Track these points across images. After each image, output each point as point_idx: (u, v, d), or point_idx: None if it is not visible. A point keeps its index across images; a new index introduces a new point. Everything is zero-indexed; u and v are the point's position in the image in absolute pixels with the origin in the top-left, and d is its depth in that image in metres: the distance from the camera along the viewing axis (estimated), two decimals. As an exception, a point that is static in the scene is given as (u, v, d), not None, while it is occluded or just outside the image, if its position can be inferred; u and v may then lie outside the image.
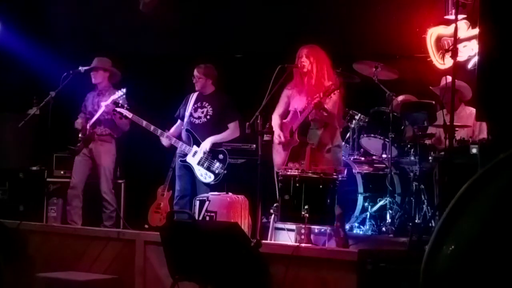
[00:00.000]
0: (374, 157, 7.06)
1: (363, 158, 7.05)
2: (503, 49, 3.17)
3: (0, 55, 8.30)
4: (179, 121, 7.08)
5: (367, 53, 7.28)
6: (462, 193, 1.86)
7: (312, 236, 5.57)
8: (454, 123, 5.26)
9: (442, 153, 6.25)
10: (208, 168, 6.79)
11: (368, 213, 6.79)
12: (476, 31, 6.44)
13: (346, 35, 7.47)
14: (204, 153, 6.80)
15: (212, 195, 6.39)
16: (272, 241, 5.69)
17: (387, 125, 6.68)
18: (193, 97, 7.03)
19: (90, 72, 7.25)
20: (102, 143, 7.23)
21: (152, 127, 6.95)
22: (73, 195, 7.14)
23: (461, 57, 6.80)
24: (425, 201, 6.41)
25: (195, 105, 6.97)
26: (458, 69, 5.82)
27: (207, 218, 6.17)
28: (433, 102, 6.60)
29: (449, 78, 5.30)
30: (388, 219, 6.59)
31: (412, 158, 6.60)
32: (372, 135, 6.85)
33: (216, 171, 6.78)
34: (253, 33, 8.46)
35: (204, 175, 6.79)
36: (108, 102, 7.07)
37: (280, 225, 5.87)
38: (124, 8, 8.47)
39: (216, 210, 6.19)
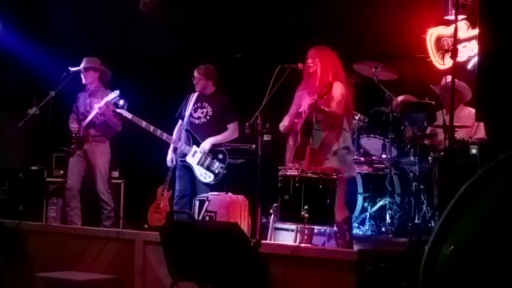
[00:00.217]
0: (373, 157, 7.06)
1: (362, 159, 7.06)
2: (503, 49, 3.17)
3: (0, 55, 8.30)
4: (180, 121, 7.09)
5: (367, 53, 7.29)
6: (461, 193, 1.86)
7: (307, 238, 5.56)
8: (453, 123, 5.26)
9: (442, 153, 6.25)
10: (208, 168, 6.80)
11: (367, 213, 6.80)
12: (476, 31, 6.44)
13: (346, 35, 7.46)
14: (204, 153, 6.81)
15: (211, 195, 6.39)
16: (272, 241, 5.69)
17: (387, 126, 6.68)
18: (193, 97, 7.03)
19: (81, 73, 7.23)
20: (96, 144, 7.23)
21: (152, 128, 6.95)
22: (70, 196, 7.13)
23: (461, 58, 6.81)
24: (425, 201, 6.41)
25: (195, 105, 6.97)
26: (458, 69, 5.82)
27: (207, 218, 6.18)
28: (433, 102, 6.60)
29: (450, 78, 5.30)
30: (388, 220, 6.59)
31: (412, 158, 6.59)
32: (372, 135, 6.85)
33: (216, 171, 6.79)
34: (253, 33, 8.47)
35: (204, 175, 6.80)
36: (102, 104, 7.06)
37: (279, 225, 5.87)
38: (124, 8, 8.47)
39: (216, 210, 6.19)
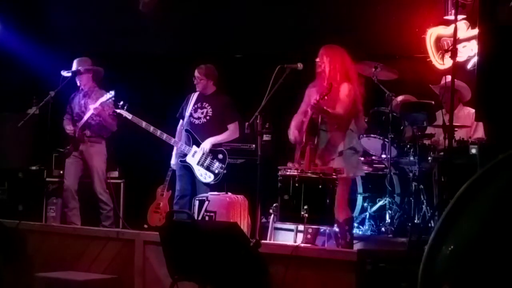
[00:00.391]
0: (373, 157, 7.06)
1: (362, 158, 7.03)
2: (502, 49, 3.17)
3: (0, 55, 8.29)
4: (180, 121, 7.09)
5: (366, 53, 7.28)
6: (461, 193, 1.86)
7: (311, 237, 5.55)
8: (453, 123, 5.26)
9: (442, 153, 6.25)
10: (208, 168, 6.80)
11: (367, 213, 6.79)
12: (475, 31, 6.45)
13: (346, 35, 7.45)
14: (204, 153, 6.81)
15: (211, 195, 6.40)
16: (272, 241, 5.69)
17: (387, 125, 6.68)
18: (194, 97, 7.03)
19: (75, 77, 7.21)
20: (92, 144, 7.22)
21: (152, 128, 6.95)
22: (68, 197, 7.14)
23: (461, 58, 6.81)
24: (425, 201, 6.41)
25: (195, 105, 6.97)
26: (458, 69, 5.82)
27: (207, 218, 6.18)
28: (433, 102, 6.60)
29: (449, 78, 5.30)
30: (388, 219, 6.59)
31: (412, 158, 6.59)
32: (372, 135, 6.85)
33: (216, 171, 6.79)
34: (253, 33, 8.47)
35: (204, 175, 6.80)
36: (97, 105, 7.06)
37: (279, 225, 5.87)
38: (124, 8, 8.46)
39: (216, 210, 6.19)
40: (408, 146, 6.66)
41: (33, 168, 7.88)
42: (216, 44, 8.55)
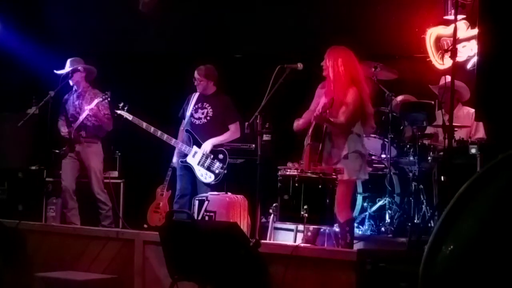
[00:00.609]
0: (373, 157, 7.06)
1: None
2: (502, 49, 3.17)
3: (0, 54, 8.29)
4: (183, 121, 7.09)
5: (366, 53, 7.28)
6: (461, 193, 1.86)
7: (311, 236, 5.55)
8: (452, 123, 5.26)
9: (441, 153, 6.25)
10: (209, 168, 6.80)
11: (367, 213, 6.79)
12: (475, 31, 6.45)
13: (346, 35, 7.45)
14: (204, 154, 6.81)
15: (211, 195, 6.40)
16: (271, 241, 5.69)
17: (387, 125, 6.68)
18: (194, 97, 7.03)
19: (70, 77, 7.20)
20: (88, 145, 7.22)
21: (152, 129, 6.96)
22: (67, 198, 7.14)
23: (460, 58, 6.82)
24: (424, 201, 6.41)
25: (196, 106, 6.98)
26: (457, 69, 5.82)
27: (206, 218, 6.18)
28: (432, 102, 6.60)
29: (449, 78, 5.30)
30: (387, 219, 6.60)
31: (411, 158, 6.59)
32: (372, 135, 6.85)
33: (217, 171, 6.79)
34: (253, 33, 8.47)
35: (205, 175, 6.80)
36: (92, 105, 7.05)
37: (279, 225, 5.87)
38: (124, 8, 8.46)
39: (215, 210, 6.19)
40: (408, 146, 6.66)
41: (33, 168, 7.87)
42: (216, 44, 8.55)
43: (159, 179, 7.34)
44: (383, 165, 6.93)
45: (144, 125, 6.99)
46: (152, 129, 6.96)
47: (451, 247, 1.83)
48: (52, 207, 7.50)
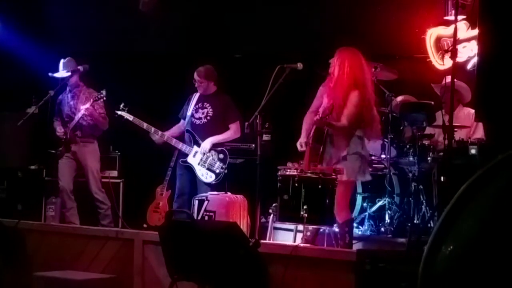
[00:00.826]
0: (373, 157, 7.05)
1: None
2: (502, 50, 3.17)
3: (0, 54, 8.29)
4: (181, 120, 7.09)
5: (366, 54, 7.28)
6: (461, 193, 1.86)
7: (310, 236, 5.55)
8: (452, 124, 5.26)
9: (441, 153, 6.25)
10: (209, 168, 6.81)
11: (367, 214, 6.79)
12: (475, 32, 6.45)
13: (346, 35, 7.46)
14: (204, 153, 6.81)
15: (211, 194, 6.39)
16: (271, 241, 5.69)
17: (386, 126, 6.68)
18: (195, 97, 7.04)
19: (68, 78, 7.18)
20: (84, 145, 7.22)
21: (153, 129, 6.96)
22: (64, 198, 7.14)
23: (461, 58, 6.81)
24: (424, 201, 6.41)
25: (196, 106, 6.98)
26: (458, 70, 5.82)
27: (206, 217, 6.17)
28: (432, 102, 6.60)
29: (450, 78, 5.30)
30: (387, 220, 6.60)
31: (411, 158, 6.59)
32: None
33: (217, 171, 6.79)
34: (253, 33, 8.47)
35: (205, 175, 6.80)
36: (88, 105, 7.05)
37: (279, 225, 5.87)
38: (124, 8, 8.46)
39: (215, 209, 6.19)
40: (408, 146, 6.66)
41: (32, 167, 7.88)
42: (216, 44, 8.55)
43: (159, 178, 7.34)
44: (383, 166, 6.92)
45: (145, 125, 6.99)
46: (152, 129, 6.96)
47: (451, 247, 1.83)
48: (52, 207, 7.49)
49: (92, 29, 8.72)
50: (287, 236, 5.88)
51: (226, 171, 6.79)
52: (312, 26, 8.02)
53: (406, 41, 7.57)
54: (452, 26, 6.08)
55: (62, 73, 7.18)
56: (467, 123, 6.54)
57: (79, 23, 8.84)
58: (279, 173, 5.33)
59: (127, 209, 7.71)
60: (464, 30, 7.08)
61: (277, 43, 8.14)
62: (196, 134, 6.89)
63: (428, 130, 6.63)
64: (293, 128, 5.80)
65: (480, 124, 6.35)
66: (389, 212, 6.62)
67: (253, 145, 7.10)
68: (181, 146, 6.92)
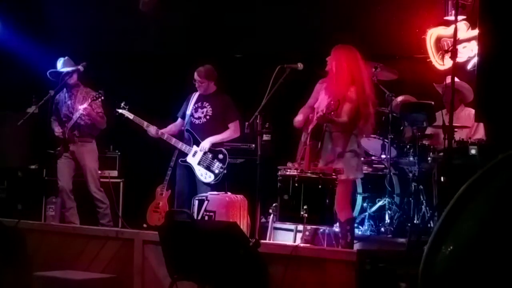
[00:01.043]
0: (373, 157, 7.06)
1: (362, 158, 7.04)
2: (502, 50, 3.17)
3: (0, 53, 8.29)
4: (179, 119, 7.09)
5: (366, 54, 7.28)
6: (461, 193, 1.86)
7: (309, 237, 5.55)
8: (453, 124, 5.26)
9: (441, 153, 6.25)
10: (208, 168, 6.81)
11: (367, 214, 6.79)
12: (475, 32, 6.44)
13: (346, 35, 7.45)
14: (204, 153, 6.81)
15: (211, 194, 6.40)
16: (271, 241, 5.69)
17: (387, 126, 6.68)
18: (194, 97, 7.04)
19: (68, 77, 7.18)
20: (83, 144, 7.22)
21: (152, 127, 6.96)
22: (64, 197, 7.14)
23: (461, 58, 6.81)
24: (424, 201, 6.41)
25: (196, 105, 6.99)
26: (458, 70, 5.82)
27: (206, 217, 6.17)
28: (432, 102, 6.60)
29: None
30: (387, 220, 6.60)
31: (411, 158, 6.60)
32: (372, 135, 6.84)
33: (216, 171, 6.79)
34: (253, 33, 8.46)
35: (205, 175, 6.81)
36: (86, 105, 7.05)
37: (279, 225, 5.87)
38: (124, 8, 8.46)
39: (215, 209, 6.19)
40: (408, 146, 6.66)
41: (33, 167, 7.88)
42: (216, 44, 8.55)
43: (159, 178, 7.33)
44: (383, 166, 6.92)
45: (145, 124, 7.00)
46: (151, 127, 6.96)
47: (451, 247, 1.83)
48: (52, 206, 7.50)
49: (92, 29, 8.72)
50: (287, 236, 5.88)
51: (225, 171, 6.79)
52: (312, 26, 8.02)
53: (406, 41, 7.57)
54: (452, 26, 6.08)
55: (65, 69, 7.18)
56: (468, 123, 6.54)
57: (79, 23, 8.84)
58: (279, 173, 5.33)
59: (127, 209, 7.71)
60: (464, 30, 7.08)
61: (277, 43, 8.14)
62: (195, 134, 6.89)
63: (429, 130, 6.63)
64: (293, 128, 5.80)
65: (481, 125, 6.35)
66: (389, 212, 6.62)
67: (253, 145, 7.11)
68: (180, 145, 6.92)
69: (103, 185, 7.36)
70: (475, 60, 6.48)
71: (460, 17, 6.57)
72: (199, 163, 6.82)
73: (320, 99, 5.64)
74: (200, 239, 4.57)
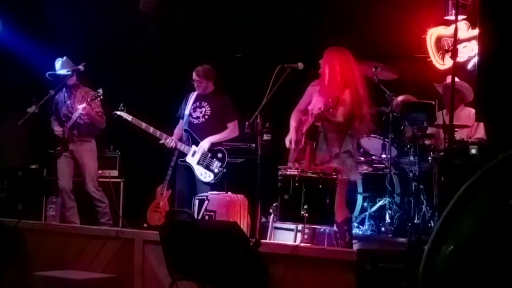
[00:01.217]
0: (373, 157, 7.06)
1: (362, 158, 7.05)
2: (503, 49, 3.17)
3: (0, 53, 8.29)
4: (180, 121, 7.09)
5: (367, 53, 7.28)
6: (461, 193, 1.86)
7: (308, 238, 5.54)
8: (453, 123, 5.26)
9: (442, 153, 6.25)
10: (208, 167, 6.81)
11: (367, 213, 6.80)
12: (476, 31, 6.45)
13: (346, 35, 7.46)
14: (203, 152, 6.82)
15: (211, 194, 6.40)
16: (271, 241, 5.69)
17: (387, 125, 6.68)
18: (193, 96, 7.04)
19: (69, 77, 7.18)
20: (82, 143, 7.23)
21: (152, 129, 6.96)
22: (64, 197, 7.15)
23: (461, 58, 6.81)
24: (424, 201, 6.41)
25: (194, 105, 6.99)
26: (458, 69, 5.81)
27: (206, 217, 6.17)
28: (433, 102, 6.60)
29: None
30: (387, 219, 6.60)
31: (412, 158, 6.60)
32: (372, 135, 6.85)
33: (216, 170, 6.79)
34: (253, 33, 8.46)
35: (204, 174, 6.81)
36: (85, 104, 7.05)
37: (279, 224, 5.87)
38: (124, 8, 8.46)
39: (215, 209, 6.19)
40: (408, 146, 6.67)
41: (33, 166, 7.88)
42: (216, 44, 8.55)
43: (159, 178, 7.33)
44: (384, 165, 6.93)
45: (144, 125, 6.99)
46: (151, 129, 6.96)
47: (451, 247, 1.83)
48: (52, 206, 7.50)
49: (92, 29, 8.72)
50: (287, 236, 5.87)
51: (224, 170, 6.79)
52: (312, 26, 8.02)
53: (407, 41, 7.57)
54: (453, 26, 6.08)
55: (62, 71, 7.18)
56: (468, 123, 6.54)
57: (79, 23, 8.85)
58: (280, 172, 5.33)
59: (127, 208, 7.71)
60: (465, 30, 7.08)
61: (277, 43, 8.14)
62: (194, 134, 6.90)
63: (429, 130, 6.63)
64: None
65: (481, 124, 6.35)
66: (390, 212, 6.62)
67: (254, 145, 7.11)
68: (179, 145, 6.92)
69: (104, 184, 7.36)
70: (475, 59, 6.48)
71: (460, 17, 6.56)
72: (198, 163, 6.83)
73: (314, 101, 5.67)
74: (200, 239, 4.57)
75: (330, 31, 7.63)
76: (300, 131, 5.64)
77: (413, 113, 6.63)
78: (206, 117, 6.92)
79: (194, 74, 6.95)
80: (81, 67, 7.23)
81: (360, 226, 6.75)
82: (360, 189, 6.86)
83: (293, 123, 5.69)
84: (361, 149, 7.08)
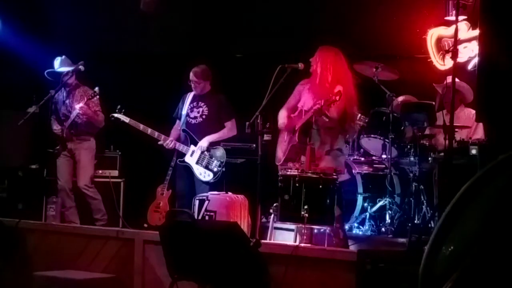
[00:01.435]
0: (374, 157, 7.07)
1: (363, 159, 7.06)
2: (503, 50, 3.17)
3: (0, 53, 8.29)
4: (177, 121, 7.10)
5: (367, 54, 7.29)
6: (461, 194, 1.86)
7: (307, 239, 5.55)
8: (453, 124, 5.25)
9: (442, 154, 6.25)
10: (207, 167, 6.81)
11: (367, 214, 6.80)
12: (476, 32, 6.43)
13: (346, 36, 7.46)
14: (202, 152, 6.82)
15: (211, 194, 6.40)
16: (272, 241, 5.69)
17: (387, 126, 6.68)
18: (189, 96, 7.05)
19: (68, 77, 7.18)
20: (80, 142, 7.24)
21: (150, 130, 6.96)
22: (64, 197, 7.15)
23: (461, 58, 6.80)
24: (425, 201, 6.41)
25: (191, 105, 7.00)
26: (458, 70, 5.81)
27: (207, 217, 6.17)
28: (433, 103, 6.60)
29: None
30: (388, 220, 6.60)
31: (412, 158, 6.60)
32: (372, 135, 6.86)
33: (215, 169, 6.80)
34: (253, 32, 8.46)
35: (203, 174, 6.81)
36: (82, 103, 7.06)
37: (279, 225, 5.87)
38: (124, 8, 8.46)
39: (216, 209, 6.19)
40: (409, 146, 6.67)
41: (33, 166, 7.88)
42: (216, 44, 8.54)
43: (159, 178, 7.33)
44: (384, 166, 6.93)
45: (141, 127, 6.99)
46: (149, 130, 6.96)
47: (451, 247, 1.83)
48: (52, 206, 7.48)
49: (92, 29, 8.72)
50: (287, 236, 5.87)
51: (223, 169, 6.80)
52: (313, 26, 8.02)
53: (407, 41, 7.56)
54: (453, 27, 6.07)
55: (62, 68, 7.19)
56: (468, 123, 6.54)
57: (79, 22, 8.84)
58: (280, 173, 5.34)
59: (127, 208, 7.71)
60: (465, 30, 7.07)
61: (278, 43, 8.14)
62: (192, 134, 6.90)
63: (429, 131, 6.63)
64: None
65: (480, 125, 6.34)
66: (390, 212, 6.62)
67: (254, 145, 7.10)
68: (177, 146, 6.92)
69: (104, 184, 7.36)
70: (475, 60, 6.47)
71: (460, 17, 6.56)
72: (197, 162, 6.83)
73: (304, 99, 5.70)
74: (200, 239, 4.57)
75: (331, 32, 7.61)
76: (287, 128, 5.68)
77: (414, 114, 6.63)
78: (204, 117, 6.93)
79: (191, 75, 6.95)
80: (81, 67, 7.23)
81: (361, 227, 6.75)
82: (360, 189, 6.86)
83: (280, 120, 5.74)
84: (361, 149, 7.09)
